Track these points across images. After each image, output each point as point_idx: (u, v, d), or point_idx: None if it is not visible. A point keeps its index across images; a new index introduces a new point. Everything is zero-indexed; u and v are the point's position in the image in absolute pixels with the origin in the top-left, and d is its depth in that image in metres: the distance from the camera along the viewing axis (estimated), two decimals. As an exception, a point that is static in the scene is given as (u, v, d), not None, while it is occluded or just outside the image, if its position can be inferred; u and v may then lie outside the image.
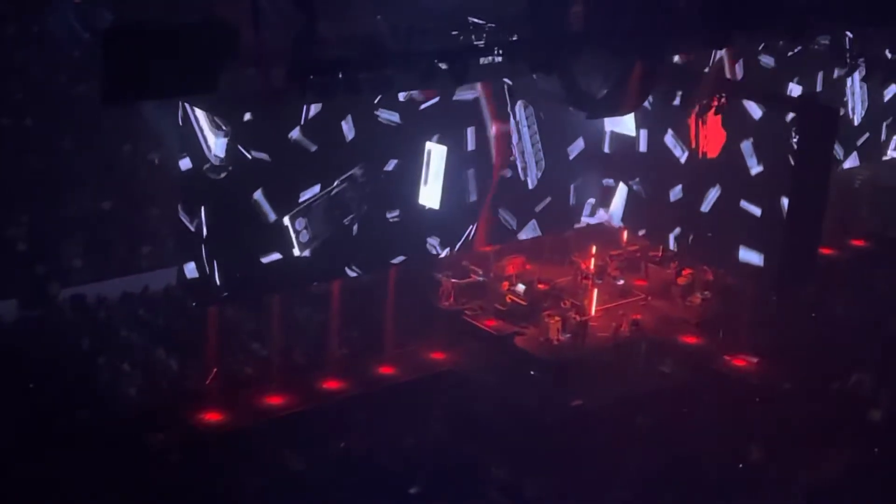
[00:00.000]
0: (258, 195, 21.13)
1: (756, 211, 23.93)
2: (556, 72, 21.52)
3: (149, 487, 20.19)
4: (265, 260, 21.61)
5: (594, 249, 27.96)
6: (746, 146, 23.96)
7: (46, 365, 22.08)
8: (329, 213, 22.36)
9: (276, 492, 20.59)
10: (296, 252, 22.03)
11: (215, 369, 22.45)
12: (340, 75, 18.84)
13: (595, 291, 26.90)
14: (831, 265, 28.90)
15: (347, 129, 22.00)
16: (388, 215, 23.18)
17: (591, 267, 27.72)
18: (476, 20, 20.79)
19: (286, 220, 21.77)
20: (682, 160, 25.22)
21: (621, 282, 27.76)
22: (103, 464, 20.04)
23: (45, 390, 21.56)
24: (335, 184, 22.27)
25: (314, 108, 21.41)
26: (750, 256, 24.15)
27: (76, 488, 19.67)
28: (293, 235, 21.99)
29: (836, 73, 28.56)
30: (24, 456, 19.98)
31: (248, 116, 20.65)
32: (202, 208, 20.87)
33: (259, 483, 20.64)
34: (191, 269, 21.19)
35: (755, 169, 23.94)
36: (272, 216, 21.39)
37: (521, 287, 26.66)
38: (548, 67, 21.04)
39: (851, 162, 29.83)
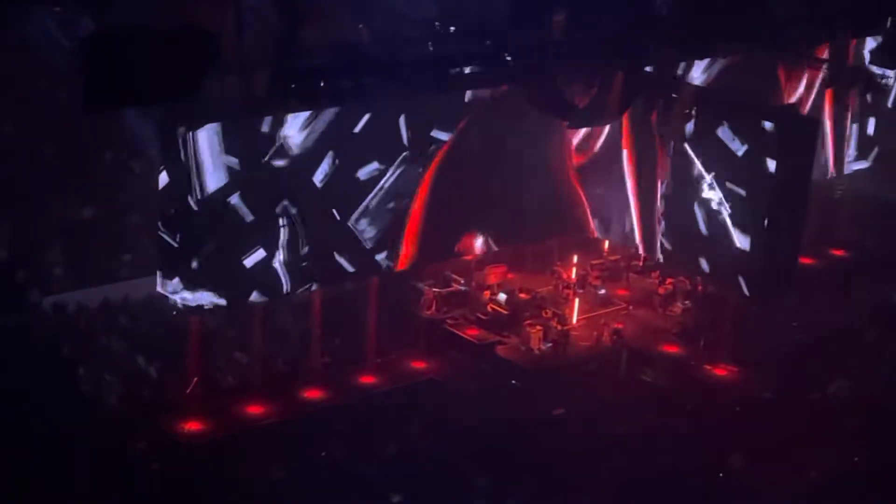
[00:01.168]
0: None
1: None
2: (537, 81, 21.61)
3: (128, 495, 20.11)
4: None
5: (576, 259, 28.01)
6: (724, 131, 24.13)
7: (26, 373, 21.95)
8: (387, 204, 23.16)
9: (257, 501, 20.53)
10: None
11: (196, 378, 22.36)
12: (322, 83, 18.87)
13: (577, 301, 26.95)
14: (811, 274, 29.02)
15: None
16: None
17: (573, 276, 27.75)
18: (458, 29, 20.87)
19: (350, 223, 22.63)
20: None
21: (603, 291, 27.80)
22: (83, 472, 19.94)
23: (25, 398, 21.42)
24: (387, 175, 22.82)
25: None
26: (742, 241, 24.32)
27: (55, 496, 19.56)
28: (359, 236, 23.03)
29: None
30: (3, 464, 19.85)
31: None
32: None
33: (240, 492, 20.56)
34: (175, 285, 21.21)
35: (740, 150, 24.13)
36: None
37: (502, 296, 26.67)
38: (530, 77, 21.11)
39: None
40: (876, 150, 31.19)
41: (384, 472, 21.42)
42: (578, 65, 21.76)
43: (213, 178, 20.95)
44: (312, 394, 23.63)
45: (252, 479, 20.96)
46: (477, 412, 23.53)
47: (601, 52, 21.42)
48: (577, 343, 25.88)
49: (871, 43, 28.35)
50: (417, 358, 25.19)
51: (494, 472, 21.58)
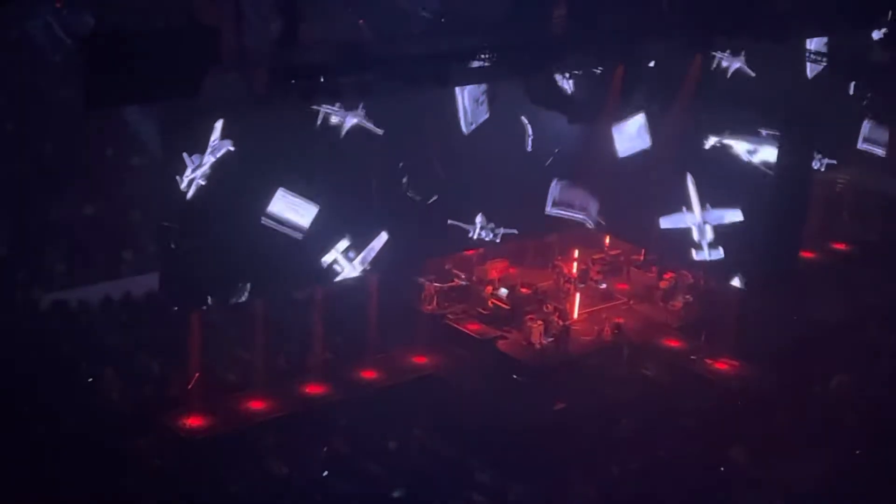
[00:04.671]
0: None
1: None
2: (538, 76, 21.60)
3: (131, 493, 20.15)
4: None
5: (577, 253, 28.02)
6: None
7: (28, 371, 21.98)
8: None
9: (258, 496, 20.56)
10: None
11: (198, 374, 22.38)
12: (322, 80, 18.85)
13: (577, 295, 26.96)
14: (813, 268, 29.01)
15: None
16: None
17: (574, 271, 27.77)
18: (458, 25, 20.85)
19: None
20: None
21: (604, 285, 27.81)
22: (85, 469, 19.97)
23: (27, 396, 21.46)
24: None
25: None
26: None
27: (57, 494, 19.59)
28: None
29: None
30: (4, 462, 19.88)
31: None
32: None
33: (242, 488, 20.60)
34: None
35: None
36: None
37: (503, 291, 26.68)
38: (529, 72, 21.09)
39: None
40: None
41: (385, 467, 21.46)
42: (578, 60, 21.77)
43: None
44: (314, 389, 23.64)
45: (254, 474, 21.01)
46: (478, 407, 23.55)
47: (602, 48, 21.40)
48: (579, 338, 25.90)
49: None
50: (418, 353, 25.20)
51: (496, 467, 21.61)
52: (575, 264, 27.93)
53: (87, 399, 22.05)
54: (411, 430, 22.77)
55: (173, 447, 21.54)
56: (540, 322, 25.58)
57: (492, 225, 25.46)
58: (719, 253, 24.56)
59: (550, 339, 25.48)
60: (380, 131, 22.40)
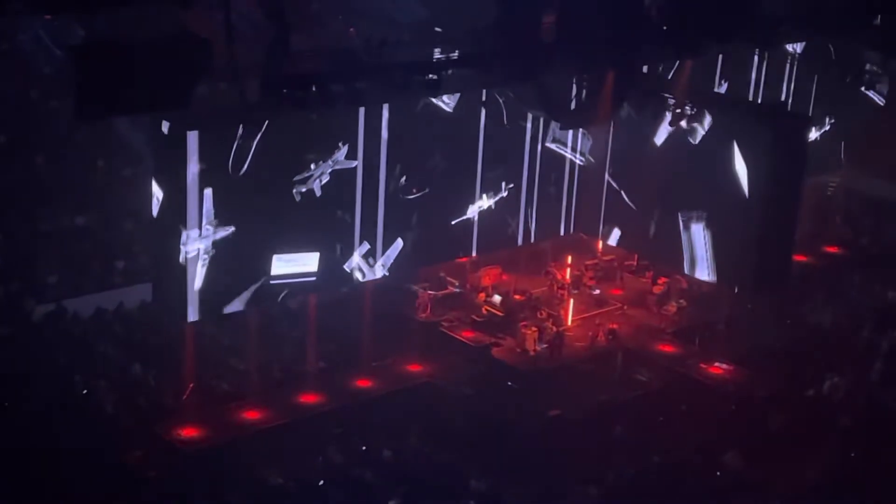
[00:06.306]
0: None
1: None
2: (528, 83, 21.62)
3: (125, 503, 20.12)
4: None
5: (570, 259, 28.04)
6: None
7: (21, 382, 21.95)
8: None
9: (254, 507, 20.56)
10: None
11: (192, 385, 22.35)
12: (314, 88, 18.86)
13: (571, 301, 26.97)
14: (806, 272, 29.06)
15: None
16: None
17: (567, 277, 27.79)
18: (449, 32, 20.89)
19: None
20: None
21: (597, 291, 27.83)
22: (80, 481, 19.92)
23: (20, 407, 21.43)
24: None
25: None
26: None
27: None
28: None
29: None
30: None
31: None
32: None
33: (237, 498, 20.56)
34: None
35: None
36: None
37: (497, 298, 26.68)
38: (520, 78, 21.13)
39: None
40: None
41: (381, 475, 21.42)
42: (569, 66, 21.81)
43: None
44: (308, 399, 23.61)
45: (248, 485, 20.97)
46: (473, 414, 23.55)
47: (592, 54, 21.43)
48: (573, 344, 25.91)
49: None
50: (413, 361, 25.19)
51: (491, 474, 21.59)
52: (568, 270, 27.96)
53: (82, 411, 22.02)
54: (406, 439, 22.74)
55: (168, 458, 21.49)
56: (534, 328, 25.58)
57: (490, 193, 25.46)
58: (708, 119, 24.50)
59: (544, 346, 25.48)
60: (354, 163, 22.43)
